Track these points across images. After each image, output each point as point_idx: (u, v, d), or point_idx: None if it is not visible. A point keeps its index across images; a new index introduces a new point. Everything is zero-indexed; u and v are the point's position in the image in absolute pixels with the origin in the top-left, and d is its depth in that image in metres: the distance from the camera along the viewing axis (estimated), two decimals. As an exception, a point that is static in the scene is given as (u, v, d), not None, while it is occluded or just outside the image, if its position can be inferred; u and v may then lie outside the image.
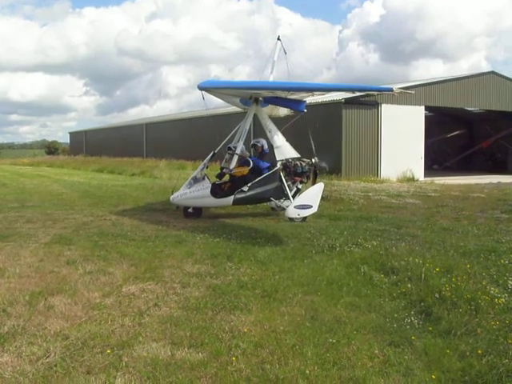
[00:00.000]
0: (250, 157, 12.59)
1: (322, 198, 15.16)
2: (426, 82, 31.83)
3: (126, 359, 4.47)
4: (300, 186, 12.96)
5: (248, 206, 13.69)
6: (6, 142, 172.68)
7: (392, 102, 26.68)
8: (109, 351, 4.59)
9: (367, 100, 26.03)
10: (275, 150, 12.36)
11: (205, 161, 12.83)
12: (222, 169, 12.64)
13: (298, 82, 12.59)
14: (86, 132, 63.98)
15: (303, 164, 12.56)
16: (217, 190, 12.41)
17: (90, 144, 59.71)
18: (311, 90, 11.42)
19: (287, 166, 12.47)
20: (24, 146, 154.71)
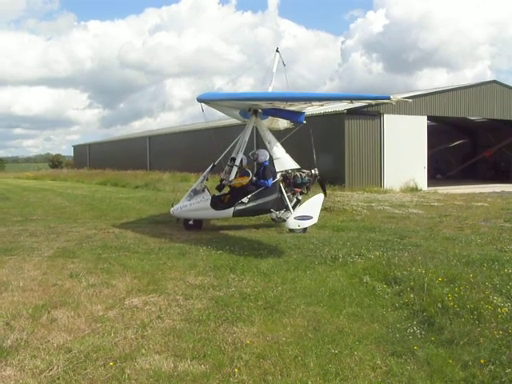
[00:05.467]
0: (260, 181, 12.32)
1: (325, 209, 15.22)
2: (428, 91, 31.90)
3: (129, 372, 4.48)
4: (300, 197, 12.97)
5: (251, 217, 13.69)
6: (9, 155, 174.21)
7: (394, 112, 26.75)
8: (111, 364, 4.60)
9: (369, 110, 26.12)
10: (275, 162, 12.36)
11: (204, 173, 12.84)
12: (221, 180, 12.63)
13: (295, 92, 12.63)
14: (89, 145, 64.23)
15: (303, 175, 12.58)
16: (217, 202, 12.37)
17: (94, 157, 59.95)
18: (308, 99, 11.43)
19: (287, 177, 12.50)
20: (28, 160, 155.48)
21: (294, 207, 12.51)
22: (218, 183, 12.68)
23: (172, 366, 4.61)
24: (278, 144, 12.66)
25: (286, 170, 12.50)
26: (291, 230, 11.87)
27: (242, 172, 12.46)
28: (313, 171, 12.73)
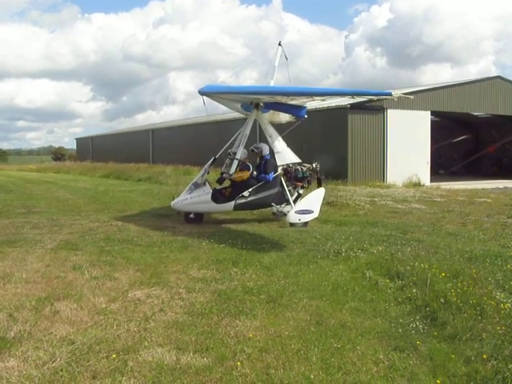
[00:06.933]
0: (261, 175, 12.27)
1: (328, 204, 15.21)
2: (431, 86, 31.78)
3: (132, 364, 4.49)
4: (301, 191, 12.96)
5: (253, 211, 13.69)
6: (12, 148, 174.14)
7: (398, 107, 26.67)
8: (114, 356, 4.61)
9: (373, 105, 26.02)
10: (276, 155, 12.35)
11: (205, 166, 12.81)
12: (222, 174, 12.60)
13: (297, 87, 12.62)
14: (92, 138, 64.26)
15: (304, 169, 12.57)
16: (218, 196, 12.36)
17: (97, 150, 59.96)
18: (309, 94, 11.40)
19: (288, 171, 12.48)
20: (31, 152, 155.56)
21: (295, 201, 12.49)
22: (219, 176, 12.68)
23: (175, 358, 4.61)
24: (280, 138, 12.63)
25: (287, 164, 12.48)
26: (292, 224, 11.85)
27: (242, 166, 12.42)
28: (314, 165, 12.72)
